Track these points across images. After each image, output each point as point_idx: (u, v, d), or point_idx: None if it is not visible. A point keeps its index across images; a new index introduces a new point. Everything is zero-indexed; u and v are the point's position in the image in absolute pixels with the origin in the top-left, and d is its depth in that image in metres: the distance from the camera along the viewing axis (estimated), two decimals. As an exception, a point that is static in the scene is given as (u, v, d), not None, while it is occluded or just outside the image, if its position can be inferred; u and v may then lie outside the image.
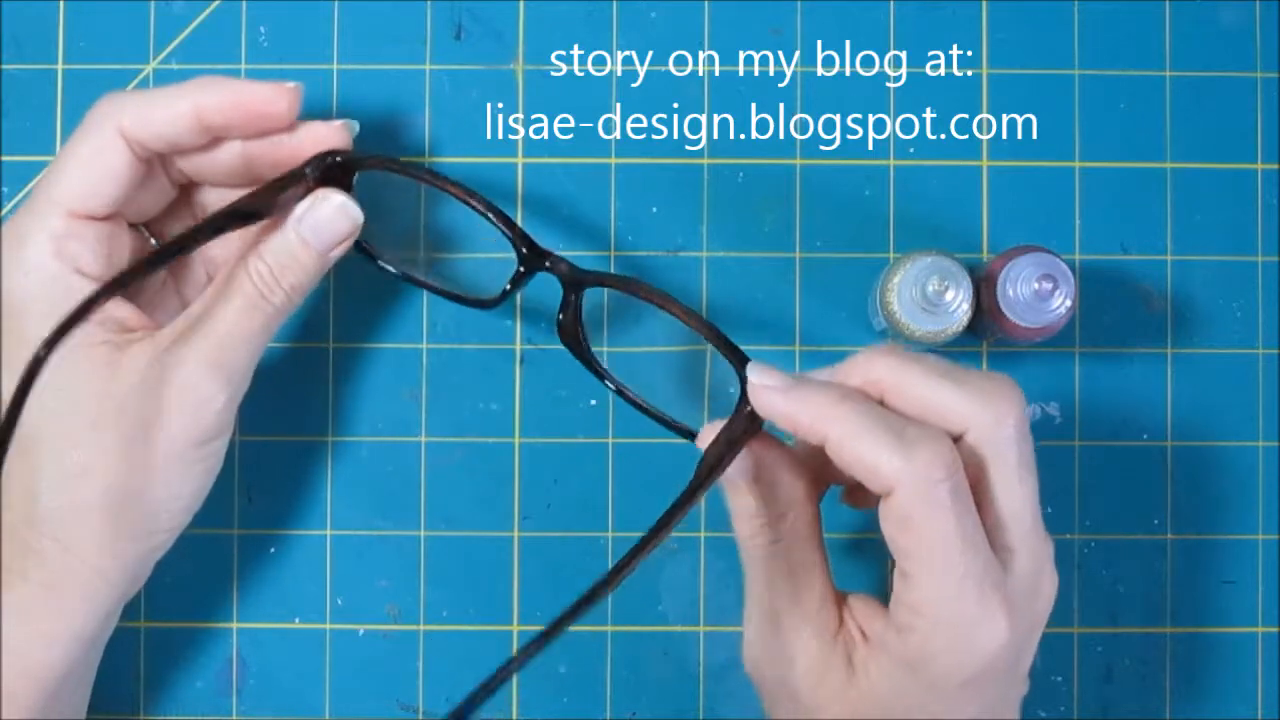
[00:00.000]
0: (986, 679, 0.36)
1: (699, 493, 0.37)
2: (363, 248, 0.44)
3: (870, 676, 0.37)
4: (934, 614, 0.35)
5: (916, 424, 0.36)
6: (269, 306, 0.40)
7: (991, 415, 0.36)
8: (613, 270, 0.48)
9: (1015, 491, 0.36)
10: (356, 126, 0.43)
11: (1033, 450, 0.37)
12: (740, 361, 0.39)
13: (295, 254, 0.40)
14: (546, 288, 0.43)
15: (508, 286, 0.43)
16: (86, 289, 0.39)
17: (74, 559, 0.39)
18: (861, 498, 0.42)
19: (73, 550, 0.39)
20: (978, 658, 0.35)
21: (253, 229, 0.41)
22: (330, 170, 0.41)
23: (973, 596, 0.35)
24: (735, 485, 0.38)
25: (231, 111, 0.40)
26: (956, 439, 0.36)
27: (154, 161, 0.41)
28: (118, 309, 0.40)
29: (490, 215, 0.41)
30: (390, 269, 0.45)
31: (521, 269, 0.42)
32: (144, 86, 0.48)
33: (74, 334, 0.38)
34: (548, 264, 0.42)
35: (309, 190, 0.41)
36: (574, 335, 0.42)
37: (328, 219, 0.40)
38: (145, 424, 0.39)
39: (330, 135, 0.41)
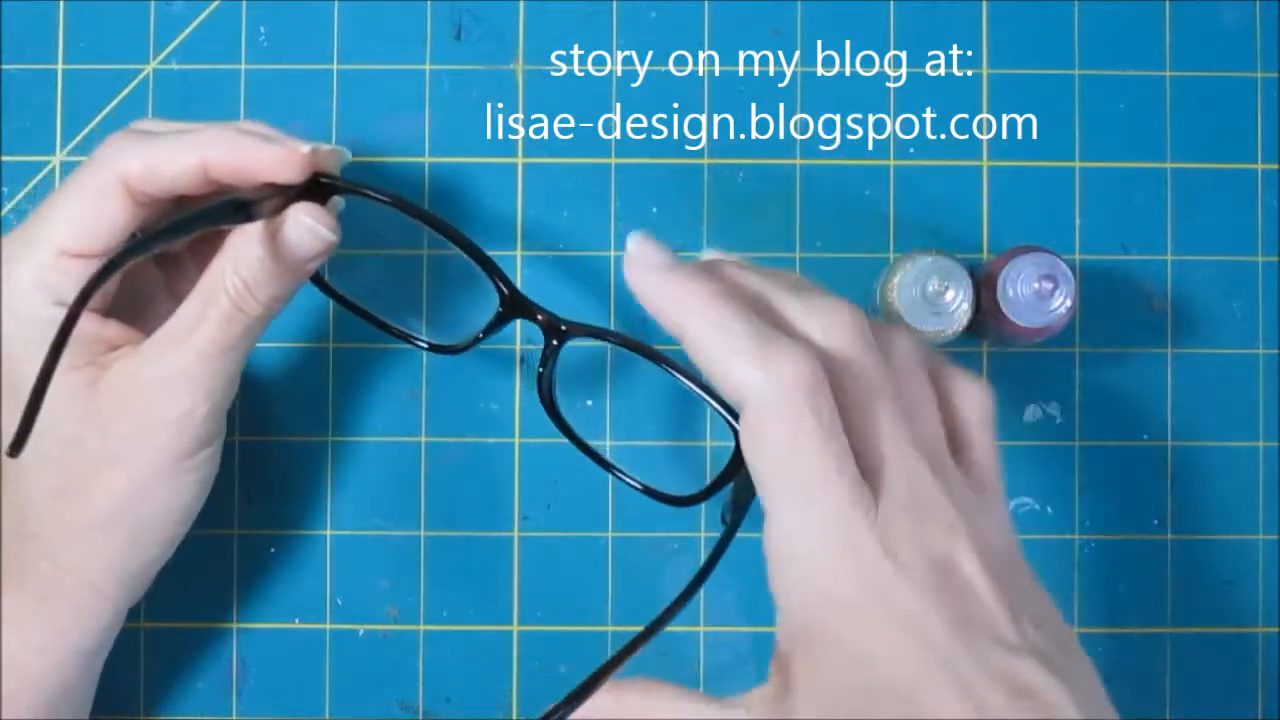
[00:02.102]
0: None
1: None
2: (324, 287, 0.43)
3: None
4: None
5: (787, 335, 0.33)
6: (247, 318, 0.39)
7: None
8: (613, 271, 0.48)
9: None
10: (348, 155, 0.42)
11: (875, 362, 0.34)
12: (732, 415, 0.36)
13: (269, 269, 0.39)
14: (544, 294, 0.43)
15: (480, 335, 0.42)
16: None
17: (66, 577, 0.39)
18: None
19: (64, 569, 0.39)
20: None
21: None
22: (315, 188, 0.40)
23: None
24: None
25: (238, 171, 0.39)
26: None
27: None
28: (104, 328, 0.39)
29: (483, 265, 0.40)
30: (353, 306, 0.44)
31: (500, 312, 0.41)
32: (144, 87, 0.48)
33: (62, 360, 0.37)
34: (539, 317, 0.40)
35: (288, 203, 0.39)
36: (548, 393, 0.41)
37: (298, 239, 0.39)
38: (128, 442, 0.38)
39: (285, 167, 0.39)
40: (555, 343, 0.40)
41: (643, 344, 0.39)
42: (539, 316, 0.40)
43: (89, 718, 0.43)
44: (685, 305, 0.33)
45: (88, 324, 0.39)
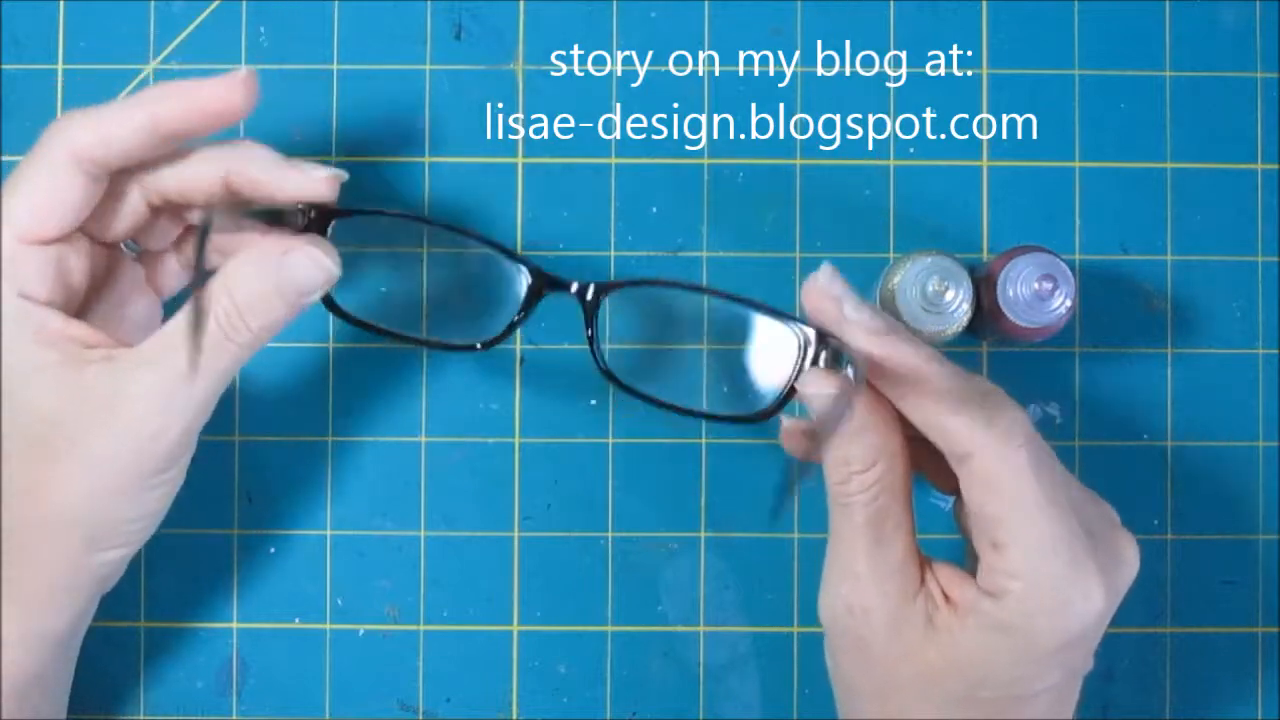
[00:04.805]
0: (1075, 646, 0.36)
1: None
2: (334, 308, 0.42)
3: (956, 639, 0.37)
4: (1030, 576, 0.35)
5: (997, 392, 0.37)
6: (233, 346, 0.38)
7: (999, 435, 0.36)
8: (613, 272, 0.48)
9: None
10: (345, 175, 0.41)
11: (1045, 449, 0.37)
12: (814, 330, 0.39)
13: (265, 298, 0.39)
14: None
15: (517, 316, 0.41)
16: (31, 312, 0.38)
17: (33, 570, 0.39)
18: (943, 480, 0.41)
19: (31, 562, 0.39)
20: (1074, 622, 0.36)
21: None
22: (323, 216, 0.40)
23: (1065, 559, 0.35)
24: (831, 433, 0.38)
25: (188, 117, 0.39)
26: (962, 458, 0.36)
27: (119, 180, 0.40)
28: (69, 327, 0.39)
29: (505, 254, 0.41)
30: (363, 324, 0.43)
31: (531, 291, 0.41)
32: (143, 87, 0.48)
33: (30, 356, 0.38)
34: (573, 289, 0.41)
35: (296, 230, 0.39)
36: (601, 355, 0.41)
37: (302, 270, 0.39)
38: (93, 450, 0.38)
39: (313, 187, 0.40)
40: (594, 299, 0.41)
41: (683, 281, 0.42)
42: (573, 288, 0.41)
43: (87, 715, 0.43)
44: (915, 367, 0.37)
45: (53, 321, 0.38)
